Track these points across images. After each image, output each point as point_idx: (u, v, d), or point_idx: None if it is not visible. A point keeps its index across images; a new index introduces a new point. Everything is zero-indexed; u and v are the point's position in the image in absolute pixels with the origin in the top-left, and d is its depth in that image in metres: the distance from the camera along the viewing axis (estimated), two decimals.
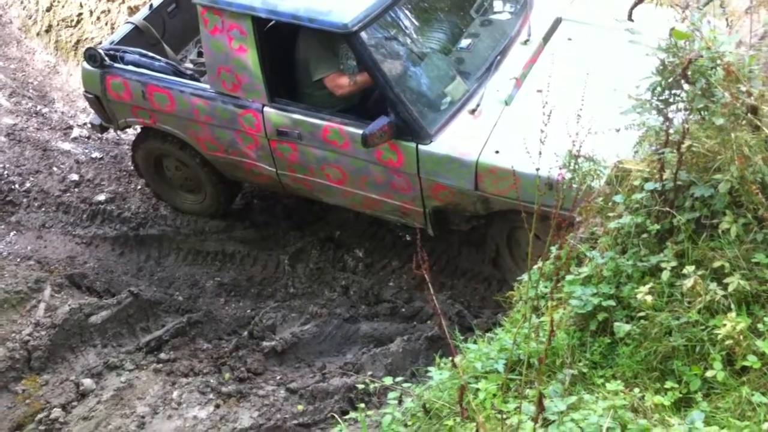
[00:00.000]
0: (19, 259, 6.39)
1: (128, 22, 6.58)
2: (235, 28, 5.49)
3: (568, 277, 3.51)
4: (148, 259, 6.46)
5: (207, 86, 5.87)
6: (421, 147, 5.25)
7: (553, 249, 3.65)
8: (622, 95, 5.12)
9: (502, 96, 5.32)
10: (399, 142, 5.28)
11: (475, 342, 3.77)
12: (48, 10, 8.20)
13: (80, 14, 8.11)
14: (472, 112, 5.29)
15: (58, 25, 8.19)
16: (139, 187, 6.93)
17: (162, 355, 5.63)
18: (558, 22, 5.70)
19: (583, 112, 4.37)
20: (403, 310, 5.78)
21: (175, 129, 6.12)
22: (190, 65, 6.47)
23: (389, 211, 5.72)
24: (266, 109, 5.65)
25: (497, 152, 5.09)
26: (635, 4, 4.22)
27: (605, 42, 5.48)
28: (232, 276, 6.25)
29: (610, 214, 3.61)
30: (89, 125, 6.99)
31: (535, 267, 3.82)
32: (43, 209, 6.86)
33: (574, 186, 3.98)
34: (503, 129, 5.19)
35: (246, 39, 5.49)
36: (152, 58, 6.16)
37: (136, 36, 6.40)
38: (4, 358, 5.55)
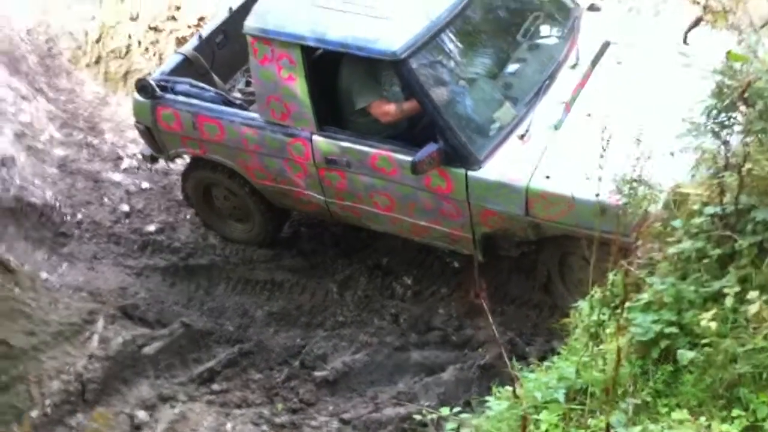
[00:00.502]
0: (71, 291, 6.43)
1: (178, 53, 6.65)
2: (285, 57, 5.54)
3: (627, 304, 3.44)
4: (198, 288, 6.48)
5: (256, 115, 5.91)
6: (471, 173, 5.24)
7: (611, 275, 3.60)
8: (675, 119, 5.12)
9: (551, 121, 5.29)
10: (448, 169, 5.27)
11: (532, 371, 3.73)
12: (97, 41, 8.30)
13: (129, 45, 8.20)
14: (522, 137, 5.28)
15: (107, 56, 8.28)
16: (188, 217, 6.97)
17: (214, 386, 5.65)
18: (606, 45, 5.66)
19: (638, 136, 4.35)
20: (454, 338, 5.75)
21: (224, 158, 6.17)
22: (239, 95, 6.52)
23: (438, 237, 5.70)
24: (315, 137, 5.67)
25: (548, 177, 5.07)
26: (691, 27, 4.20)
27: (655, 65, 5.44)
28: (281, 305, 6.25)
29: (669, 239, 3.56)
30: (140, 156, 7.07)
31: (593, 293, 3.80)
32: (95, 240, 6.91)
33: (630, 211, 3.93)
34: (553, 154, 5.16)
35: (295, 68, 5.53)
36: (202, 88, 6.22)
37: (185, 66, 6.46)
38: (59, 391, 5.58)
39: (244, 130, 5.92)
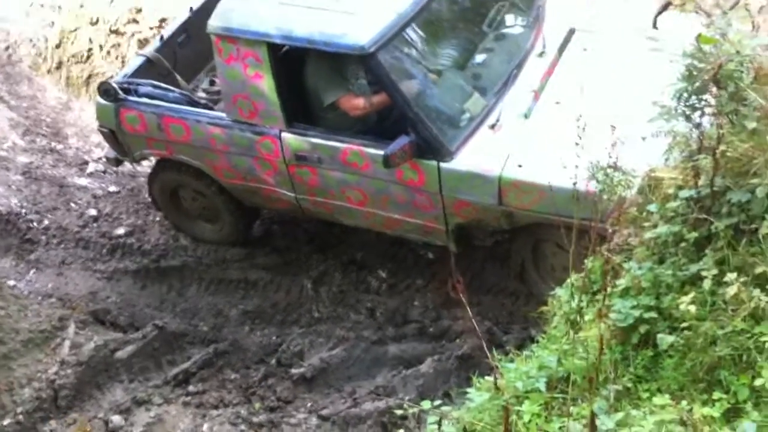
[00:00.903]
0: (40, 298, 6.35)
1: (140, 55, 6.57)
2: (251, 55, 5.48)
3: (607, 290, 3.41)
4: (170, 290, 6.40)
5: (223, 115, 5.85)
6: (443, 165, 5.22)
7: (588, 262, 3.57)
8: (645, 103, 5.12)
9: (521, 109, 5.28)
10: (420, 161, 5.25)
11: (512, 360, 3.72)
12: (57, 46, 8.20)
13: (90, 49, 8.10)
14: (492, 127, 5.26)
15: (68, 61, 8.18)
16: (158, 218, 6.88)
17: (190, 388, 5.58)
18: (572, 32, 5.66)
19: (611, 122, 4.34)
20: (431, 329, 5.71)
21: (191, 159, 6.10)
22: (203, 95, 6.45)
23: (411, 230, 5.68)
24: (284, 134, 5.62)
25: (520, 166, 5.05)
26: (660, 11, 4.20)
27: (623, 51, 5.46)
28: (256, 303, 6.18)
29: (645, 224, 3.56)
30: (104, 159, 6.97)
31: (569, 280, 3.78)
32: (63, 246, 6.81)
33: (605, 197, 3.93)
34: (525, 142, 5.15)
35: (262, 66, 5.48)
36: (166, 89, 6.14)
37: (148, 68, 6.38)
38: (31, 398, 5.51)
39: (211, 129, 5.86)
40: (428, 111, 5.27)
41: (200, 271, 6.47)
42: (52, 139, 7.74)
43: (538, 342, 4.01)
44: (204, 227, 6.62)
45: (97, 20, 8.07)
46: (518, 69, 5.50)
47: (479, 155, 5.18)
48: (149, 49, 6.56)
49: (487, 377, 3.50)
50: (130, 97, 6.08)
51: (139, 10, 7.97)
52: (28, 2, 8.39)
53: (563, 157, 4.84)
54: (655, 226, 3.44)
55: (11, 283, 6.47)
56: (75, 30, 8.15)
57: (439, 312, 5.83)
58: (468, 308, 3.28)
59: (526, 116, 5.25)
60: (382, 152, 5.17)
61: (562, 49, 5.58)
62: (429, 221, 5.50)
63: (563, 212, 4.93)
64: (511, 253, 5.60)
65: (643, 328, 3.26)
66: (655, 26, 4.36)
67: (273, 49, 5.47)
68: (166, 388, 5.60)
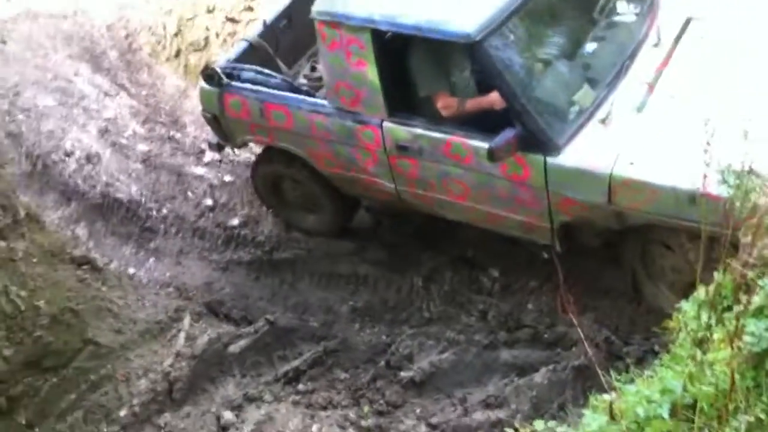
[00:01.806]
0: (158, 287, 6.49)
1: (243, 40, 6.59)
2: (354, 42, 5.38)
3: (736, 308, 3.16)
4: (282, 283, 6.42)
5: (325, 102, 5.79)
6: (550, 159, 4.99)
7: (717, 274, 3.34)
8: None
9: (634, 103, 4.99)
10: (526, 155, 5.03)
11: (632, 380, 3.49)
12: (176, 35, 8.32)
13: (207, 38, 8.18)
14: (603, 121, 4.98)
15: (186, 49, 8.29)
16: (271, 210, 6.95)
17: (300, 387, 5.56)
18: (689, 21, 5.31)
19: (728, 118, 4.02)
20: (546, 335, 5.48)
21: (292, 146, 6.09)
22: (304, 81, 6.42)
23: (514, 227, 5.49)
24: (386, 123, 5.51)
25: (632, 163, 4.78)
26: None
27: (743, 40, 5.10)
28: (366, 299, 6.14)
29: None
30: (207, 144, 7.05)
31: (696, 294, 3.48)
32: (180, 235, 6.94)
33: (737, 203, 3.62)
34: (637, 138, 4.86)
35: (365, 53, 5.37)
36: (268, 75, 6.12)
37: (250, 53, 6.39)
38: (147, 390, 5.59)
39: (312, 117, 5.81)
40: (535, 103, 5.03)
41: (311, 264, 6.46)
42: (171, 128, 7.86)
43: (661, 360, 3.74)
44: (306, 217, 6.61)
45: (214, 8, 8.14)
46: (631, 60, 5.19)
47: (588, 151, 4.92)
48: (252, 34, 6.57)
49: (605, 395, 3.29)
50: (234, 83, 6.09)
51: None
52: None
53: (679, 156, 4.65)
54: None
55: (131, 271, 6.65)
56: (192, 18, 8.25)
57: (554, 318, 5.57)
58: (580, 331, 3.06)
59: (639, 110, 4.95)
60: (486, 145, 4.98)
61: (678, 39, 5.23)
62: (533, 218, 5.30)
63: (678, 214, 4.69)
64: (621, 256, 5.33)
65: None
66: None
67: (377, 35, 5.35)
68: (277, 386, 5.60)
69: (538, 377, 5.06)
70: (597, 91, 5.12)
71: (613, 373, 3.62)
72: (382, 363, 5.54)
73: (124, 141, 7.69)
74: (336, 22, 5.43)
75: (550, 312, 5.61)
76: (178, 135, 7.78)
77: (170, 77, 8.32)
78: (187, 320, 6.07)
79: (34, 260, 5.73)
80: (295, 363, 5.72)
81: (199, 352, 5.72)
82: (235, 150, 6.88)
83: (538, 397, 4.99)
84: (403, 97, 5.54)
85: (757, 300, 3.12)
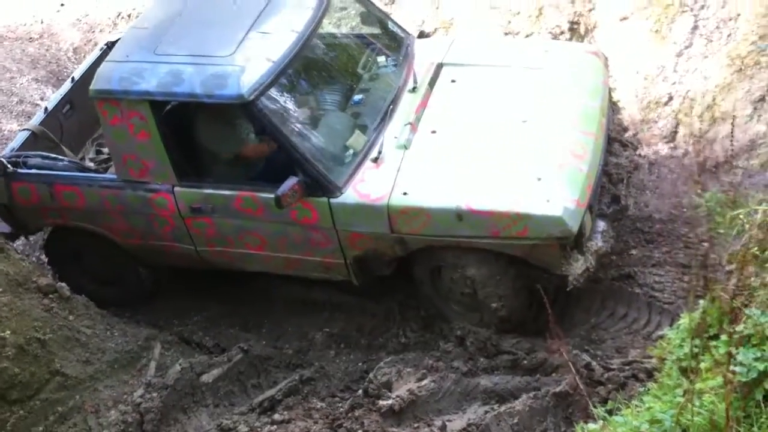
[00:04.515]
0: (128, 315, 6.40)
1: (24, 129, 6.63)
2: (135, 115, 5.62)
3: (723, 337, 3.20)
4: (256, 310, 6.39)
5: (114, 176, 5.96)
6: (333, 200, 5.46)
7: (702, 302, 3.36)
8: (516, 123, 5.59)
9: (400, 141, 5.60)
10: (311, 199, 5.48)
11: (618, 408, 3.47)
12: None
13: None
14: (375, 160, 5.55)
15: None
16: None
17: (276, 416, 5.33)
18: (440, 67, 6.06)
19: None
20: (525, 362, 5.41)
21: (88, 224, 6.18)
22: (91, 164, 6.54)
23: (312, 268, 5.88)
24: (176, 189, 5.78)
25: (405, 193, 5.36)
26: None
27: (488, 79, 5.91)
28: (341, 325, 6.15)
29: None
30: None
31: (680, 322, 3.51)
32: None
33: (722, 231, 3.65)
34: (407, 171, 5.46)
35: (147, 124, 5.62)
36: (55, 158, 6.23)
37: (33, 141, 6.44)
38: (117, 421, 5.38)
39: (104, 192, 5.96)
40: (313, 151, 5.51)
41: (285, 290, 6.42)
42: None
43: (647, 389, 3.76)
44: (107, 290, 6.63)
45: None
46: (394, 104, 5.81)
47: (366, 187, 5.45)
48: (33, 122, 6.63)
49: (591, 425, 3.29)
50: (20, 170, 6.14)
51: None
52: None
53: (444, 181, 5.33)
54: None
55: None
56: None
57: (534, 343, 5.53)
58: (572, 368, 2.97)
59: (406, 147, 5.56)
60: (273, 195, 5.35)
61: (432, 83, 5.95)
62: (328, 257, 5.72)
63: (451, 232, 5.29)
64: (413, 279, 5.79)
65: None
66: None
67: (156, 106, 5.61)
68: (252, 416, 5.39)
69: (519, 405, 4.93)
70: (367, 134, 5.69)
71: (594, 401, 3.74)
72: (360, 391, 5.37)
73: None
74: (115, 99, 5.64)
75: (530, 338, 5.61)
76: None
77: None
78: (157, 349, 5.96)
79: (0, 290, 5.53)
80: (271, 392, 5.58)
81: (171, 382, 5.51)
82: (30, 237, 6.84)
83: (519, 425, 4.88)
84: (190, 159, 5.83)
85: (742, 328, 3.13)
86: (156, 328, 6.28)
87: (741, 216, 3.60)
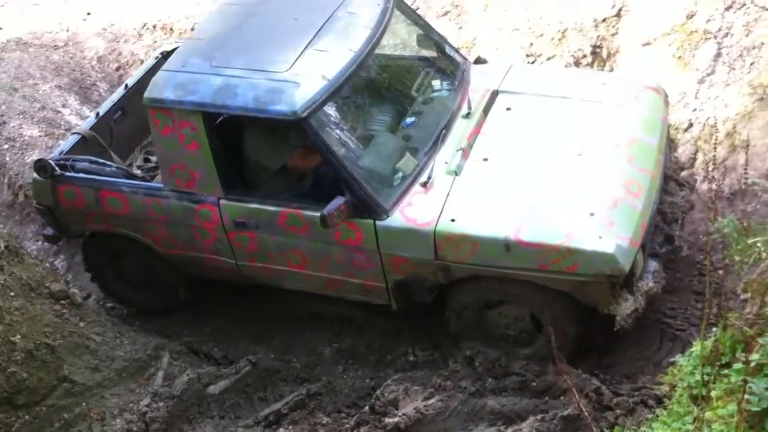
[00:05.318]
0: (138, 323, 6.41)
1: (74, 133, 6.66)
2: (187, 125, 5.61)
3: (736, 365, 3.19)
4: (265, 323, 6.38)
5: (160, 185, 5.95)
6: (379, 223, 5.39)
7: (715, 329, 3.34)
8: (569, 154, 5.49)
9: (451, 167, 5.51)
10: (357, 221, 5.41)
11: None
12: None
13: None
14: (424, 184, 5.47)
15: None
16: None
17: (281, 430, 5.35)
18: (495, 94, 5.98)
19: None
20: (534, 384, 5.35)
21: (130, 231, 6.16)
22: (138, 172, 6.55)
23: (352, 290, 5.81)
24: (222, 201, 5.74)
25: (453, 220, 5.26)
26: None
27: (543, 108, 5.82)
28: (350, 341, 6.12)
29: None
30: (42, 237, 6.97)
31: (692, 349, 3.47)
32: None
33: (737, 259, 3.58)
34: (456, 197, 5.37)
35: (198, 135, 5.61)
36: (102, 164, 6.24)
37: (83, 145, 6.47)
38: (122, 430, 5.40)
39: (148, 200, 5.95)
40: (362, 172, 5.46)
41: (295, 304, 6.39)
42: None
43: (657, 415, 3.72)
44: (140, 294, 6.65)
45: None
46: (447, 129, 5.74)
47: (413, 212, 5.37)
48: (84, 127, 6.66)
49: None
50: (67, 173, 6.15)
51: None
52: None
53: (493, 210, 5.22)
54: None
55: (110, 304, 6.63)
56: None
57: (543, 365, 5.45)
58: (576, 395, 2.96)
59: (456, 173, 5.47)
60: (318, 213, 5.30)
61: (487, 110, 5.87)
62: (369, 279, 5.64)
63: (497, 263, 5.17)
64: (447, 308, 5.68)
65: None
66: None
67: (208, 118, 5.60)
68: (257, 429, 5.40)
69: (526, 427, 4.89)
70: (418, 158, 5.62)
71: (602, 425, 3.66)
72: (366, 408, 5.36)
73: None
74: (167, 108, 5.63)
75: (539, 360, 5.52)
76: None
77: None
78: (166, 359, 5.97)
79: (12, 294, 5.55)
80: (277, 406, 5.55)
81: (178, 392, 5.54)
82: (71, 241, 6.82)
83: None
84: (237, 174, 5.81)
85: (756, 357, 3.12)
86: (166, 337, 6.29)
87: (758, 244, 3.56)
